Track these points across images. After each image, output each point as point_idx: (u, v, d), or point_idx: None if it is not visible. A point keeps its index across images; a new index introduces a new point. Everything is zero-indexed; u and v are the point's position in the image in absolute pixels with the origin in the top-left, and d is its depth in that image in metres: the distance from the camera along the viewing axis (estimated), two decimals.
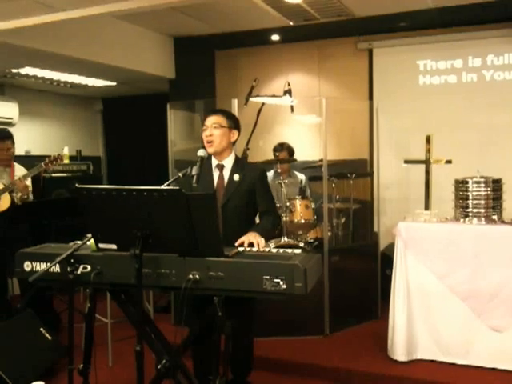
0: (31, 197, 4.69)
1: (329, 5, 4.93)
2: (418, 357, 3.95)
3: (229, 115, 3.16)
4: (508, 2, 4.82)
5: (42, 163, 4.49)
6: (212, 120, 3.07)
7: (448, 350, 3.87)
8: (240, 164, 3.17)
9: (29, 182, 4.66)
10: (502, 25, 5.56)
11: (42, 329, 3.84)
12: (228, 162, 3.13)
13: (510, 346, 3.70)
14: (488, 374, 3.72)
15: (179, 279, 2.34)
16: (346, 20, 5.39)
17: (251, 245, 2.74)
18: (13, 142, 4.65)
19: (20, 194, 4.48)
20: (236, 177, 3.08)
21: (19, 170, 4.69)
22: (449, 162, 4.30)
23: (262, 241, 2.77)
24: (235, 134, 3.14)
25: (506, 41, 5.64)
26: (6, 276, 4.70)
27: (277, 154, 5.20)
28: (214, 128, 3.05)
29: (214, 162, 3.13)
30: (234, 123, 3.13)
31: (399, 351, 3.92)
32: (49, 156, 4.55)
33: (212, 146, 3.06)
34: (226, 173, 3.11)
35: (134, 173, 7.76)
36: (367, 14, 5.32)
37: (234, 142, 3.18)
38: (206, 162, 3.04)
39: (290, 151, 5.31)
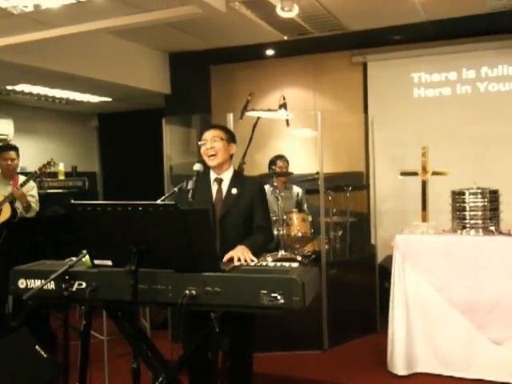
0: (34, 206, 4.84)
1: (323, 19, 4.97)
2: (418, 370, 3.92)
3: (226, 129, 3.19)
4: (501, 15, 4.86)
5: (36, 169, 4.64)
6: (211, 134, 3.07)
7: (448, 363, 3.84)
8: (238, 178, 3.16)
9: (35, 192, 4.87)
10: (496, 37, 5.60)
11: (37, 346, 3.79)
12: (226, 175, 3.12)
13: (509, 357, 3.67)
14: None
15: (176, 295, 2.31)
16: (340, 34, 5.44)
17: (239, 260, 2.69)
18: (18, 154, 4.84)
19: (20, 203, 4.67)
20: (234, 190, 3.07)
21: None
22: (444, 173, 4.30)
23: (250, 256, 2.71)
24: (233, 147, 3.15)
25: (499, 53, 5.68)
26: (6, 292, 4.67)
27: (273, 167, 5.17)
28: (214, 141, 3.05)
29: (213, 175, 3.11)
30: (231, 137, 3.15)
31: (399, 365, 3.89)
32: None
33: (215, 158, 3.06)
34: (225, 186, 3.10)
35: (130, 188, 7.74)
36: (361, 28, 5.36)
37: (232, 156, 3.19)
38: (203, 176, 3.03)
39: (287, 161, 5.30)
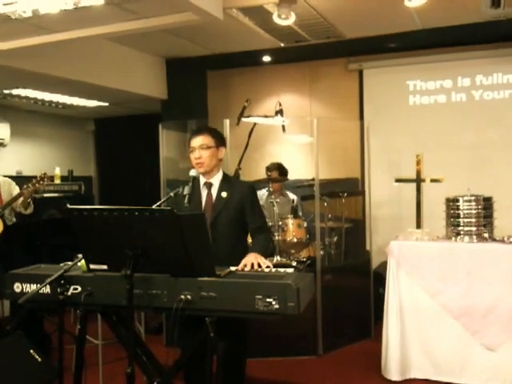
0: (24, 212, 4.65)
1: (319, 26, 4.99)
2: (412, 376, 3.93)
3: (214, 133, 3.13)
4: (496, 23, 4.90)
5: (24, 189, 4.42)
6: (199, 141, 3.05)
7: (442, 369, 3.85)
8: (228, 181, 3.17)
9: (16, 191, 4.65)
10: (491, 45, 5.65)
11: (31, 350, 3.78)
12: (216, 179, 3.13)
13: (503, 363, 3.69)
14: None
15: (171, 300, 2.33)
16: (336, 41, 5.46)
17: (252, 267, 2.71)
18: None
19: (22, 203, 4.50)
20: (224, 194, 3.08)
21: (3, 182, 4.67)
22: (439, 180, 4.32)
23: (264, 261, 2.75)
24: (222, 150, 3.14)
25: (494, 61, 5.73)
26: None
27: (269, 173, 5.21)
28: (201, 149, 3.04)
29: (202, 180, 3.13)
30: (220, 141, 3.12)
31: (393, 371, 3.89)
32: (35, 177, 4.50)
33: (202, 166, 3.06)
34: (214, 191, 3.11)
35: (126, 193, 7.74)
36: (357, 36, 5.39)
37: (221, 160, 3.18)
38: (195, 180, 3.05)
39: (281, 171, 5.31)
